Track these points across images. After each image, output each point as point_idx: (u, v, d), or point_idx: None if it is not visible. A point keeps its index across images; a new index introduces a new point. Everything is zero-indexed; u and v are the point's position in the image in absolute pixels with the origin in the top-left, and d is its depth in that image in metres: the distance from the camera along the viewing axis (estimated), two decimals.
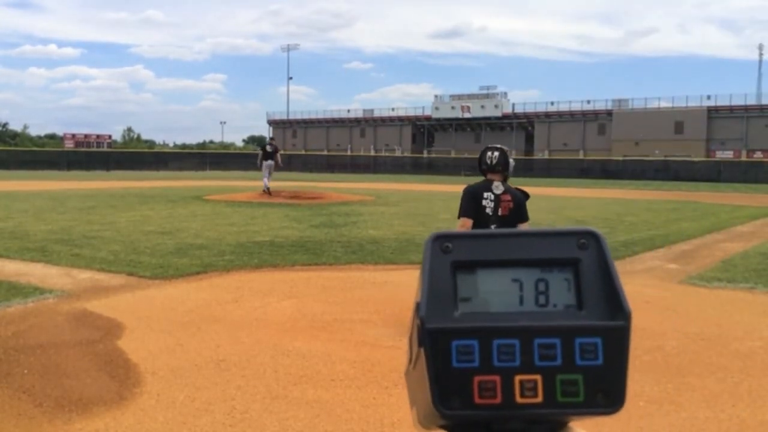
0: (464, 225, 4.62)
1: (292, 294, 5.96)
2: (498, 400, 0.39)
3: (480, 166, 4.71)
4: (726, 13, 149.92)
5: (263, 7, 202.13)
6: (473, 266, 0.42)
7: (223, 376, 3.72)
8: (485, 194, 4.55)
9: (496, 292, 0.42)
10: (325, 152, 74.50)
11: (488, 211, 4.53)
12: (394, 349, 4.29)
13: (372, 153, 74.63)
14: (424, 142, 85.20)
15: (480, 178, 4.67)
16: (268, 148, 19.40)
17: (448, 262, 0.42)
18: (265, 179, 19.27)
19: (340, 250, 8.65)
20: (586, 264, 0.42)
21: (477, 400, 0.39)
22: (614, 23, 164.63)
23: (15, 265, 7.22)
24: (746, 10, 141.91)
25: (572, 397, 0.39)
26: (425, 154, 74.12)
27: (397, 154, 74.84)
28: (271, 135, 22.60)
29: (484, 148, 4.80)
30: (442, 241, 0.43)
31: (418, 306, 0.41)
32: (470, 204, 4.57)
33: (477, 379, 0.39)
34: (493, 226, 4.48)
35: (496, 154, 4.67)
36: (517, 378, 0.39)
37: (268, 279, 6.69)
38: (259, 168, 19.69)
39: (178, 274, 6.73)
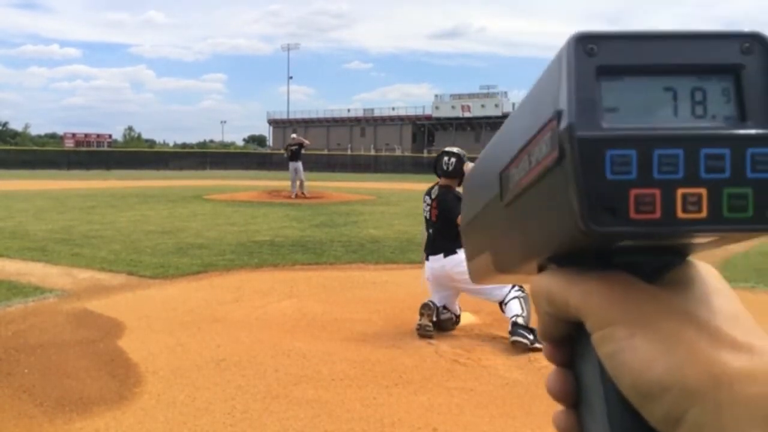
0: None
1: (293, 294, 5.96)
2: (657, 215, 0.35)
3: (437, 173, 4.82)
4: (729, 15, 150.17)
5: (264, 7, 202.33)
6: (620, 72, 0.37)
7: (223, 375, 3.72)
8: (425, 197, 4.84)
9: (646, 102, 0.37)
10: (326, 152, 74.54)
11: (425, 214, 4.84)
12: (394, 349, 4.29)
13: (372, 152, 74.67)
14: (425, 142, 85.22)
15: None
16: (292, 148, 18.57)
17: (593, 67, 0.37)
18: (296, 183, 18.55)
19: (340, 249, 8.65)
20: (749, 71, 0.37)
21: (633, 215, 0.35)
22: (615, 23, 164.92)
23: (15, 264, 7.22)
24: (750, 11, 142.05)
25: (740, 213, 0.35)
26: (426, 154, 74.11)
27: (398, 153, 74.86)
28: (293, 134, 20.04)
29: (441, 152, 4.87)
30: (586, 42, 0.37)
31: (558, 113, 0.36)
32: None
33: (634, 192, 0.35)
34: (430, 230, 4.81)
35: (453, 159, 4.77)
36: (680, 191, 0.35)
37: (269, 279, 6.69)
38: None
39: (179, 274, 6.74)
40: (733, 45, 0.38)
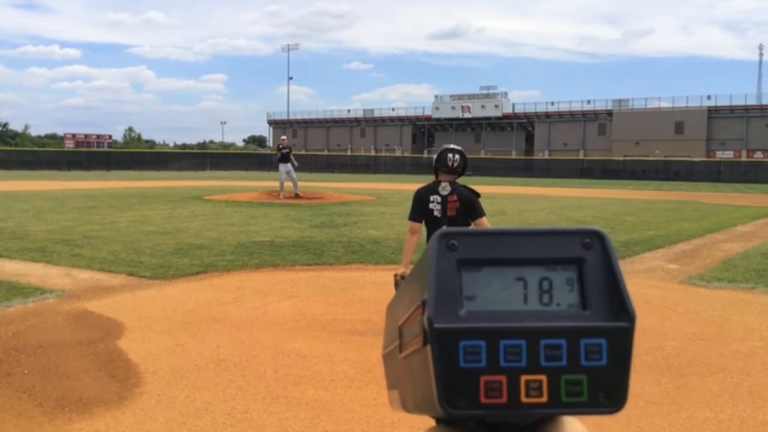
0: (412, 228, 4.67)
1: (293, 294, 5.96)
2: (504, 399, 0.40)
3: (438, 167, 4.69)
4: (730, 15, 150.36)
5: (264, 7, 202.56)
6: (478, 264, 0.42)
7: (223, 376, 3.72)
8: (431, 197, 4.60)
9: (500, 291, 0.42)
10: (326, 152, 74.56)
11: (436, 213, 4.57)
12: None
13: (372, 153, 74.63)
14: (425, 142, 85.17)
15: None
16: (284, 151, 18.70)
17: (454, 260, 0.42)
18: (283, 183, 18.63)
19: (340, 250, 8.65)
20: (590, 264, 0.43)
21: (483, 400, 0.39)
22: (615, 24, 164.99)
23: (15, 265, 7.22)
24: (750, 11, 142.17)
25: (576, 397, 0.40)
26: (425, 154, 74.06)
27: (398, 154, 74.86)
28: (282, 136, 21.04)
29: (443, 148, 4.74)
30: (448, 238, 0.43)
31: (423, 303, 0.41)
32: (419, 208, 4.62)
33: (483, 378, 0.40)
34: (444, 227, 4.46)
35: (458, 157, 4.68)
36: (523, 378, 0.40)
37: (269, 279, 6.69)
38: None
39: (179, 274, 6.73)
40: (576, 240, 0.43)
